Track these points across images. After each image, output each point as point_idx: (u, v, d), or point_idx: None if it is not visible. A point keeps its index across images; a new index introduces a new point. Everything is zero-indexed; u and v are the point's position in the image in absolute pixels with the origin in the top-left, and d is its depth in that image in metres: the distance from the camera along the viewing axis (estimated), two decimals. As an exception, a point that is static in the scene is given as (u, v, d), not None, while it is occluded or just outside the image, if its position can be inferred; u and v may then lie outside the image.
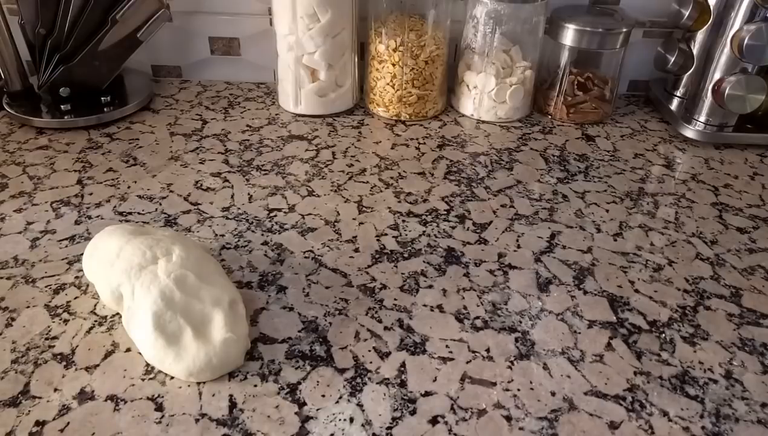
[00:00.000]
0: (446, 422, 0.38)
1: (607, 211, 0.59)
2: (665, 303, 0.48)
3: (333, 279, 0.49)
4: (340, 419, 0.38)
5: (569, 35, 0.71)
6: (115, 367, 0.40)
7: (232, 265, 0.50)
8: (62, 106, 0.69)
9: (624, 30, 0.71)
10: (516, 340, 0.44)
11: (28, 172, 0.61)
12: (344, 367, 0.41)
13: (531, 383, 0.41)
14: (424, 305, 0.46)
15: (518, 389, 0.40)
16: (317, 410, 0.38)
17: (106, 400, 0.38)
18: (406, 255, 0.52)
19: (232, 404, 0.38)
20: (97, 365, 0.40)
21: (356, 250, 0.52)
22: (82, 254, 0.47)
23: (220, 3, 0.77)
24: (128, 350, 0.42)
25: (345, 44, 0.71)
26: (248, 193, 0.59)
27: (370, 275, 0.49)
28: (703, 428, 0.38)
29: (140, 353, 0.41)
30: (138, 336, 0.40)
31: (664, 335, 0.45)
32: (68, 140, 0.67)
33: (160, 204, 0.57)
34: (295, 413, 0.38)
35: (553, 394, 0.40)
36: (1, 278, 0.48)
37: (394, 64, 0.71)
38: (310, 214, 0.57)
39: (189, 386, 0.39)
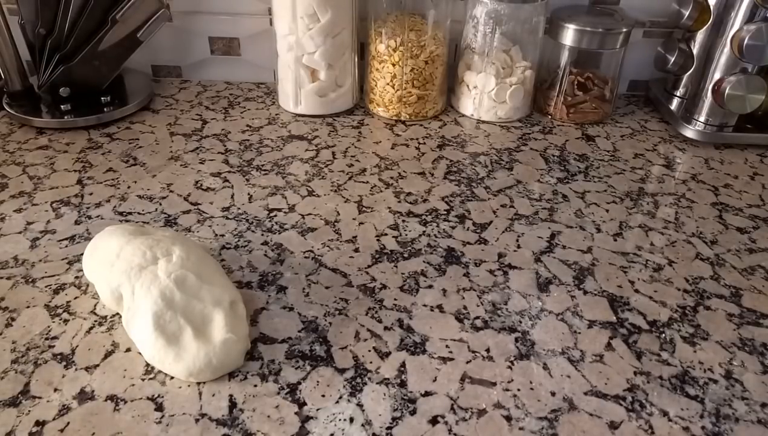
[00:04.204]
0: (446, 422, 0.38)
1: (607, 211, 0.59)
2: (665, 303, 0.48)
3: (333, 279, 0.49)
4: (340, 419, 0.38)
5: (569, 35, 0.71)
6: (115, 367, 0.40)
7: (232, 265, 0.50)
8: (62, 106, 0.69)
9: (624, 30, 0.71)
10: (516, 340, 0.44)
11: (28, 172, 0.61)
12: (344, 367, 0.41)
13: (531, 383, 0.41)
14: (424, 305, 0.46)
15: (518, 389, 0.40)
16: (317, 410, 0.38)
17: (106, 400, 0.38)
18: (406, 255, 0.52)
19: (232, 404, 0.38)
20: (97, 365, 0.40)
21: (356, 250, 0.52)
22: (82, 254, 0.47)
23: (220, 3, 0.77)
24: (128, 350, 0.42)
25: (345, 44, 0.71)
26: (248, 193, 0.59)
27: (370, 275, 0.49)
28: (703, 428, 0.38)
29: (140, 353, 0.41)
30: (138, 336, 0.40)
31: (664, 335, 0.45)
32: (68, 140, 0.67)
33: (160, 204, 0.57)
34: (295, 413, 0.38)
35: (553, 394, 0.40)
36: (1, 278, 0.48)
37: (394, 64, 0.71)
38: (310, 214, 0.57)
39: (189, 386, 0.39)
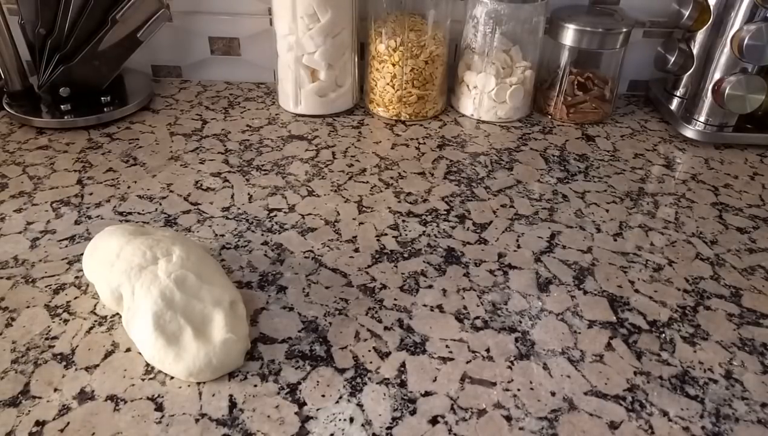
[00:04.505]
0: (446, 422, 0.38)
1: (607, 211, 0.59)
2: (665, 303, 0.48)
3: (333, 279, 0.49)
4: (340, 419, 0.38)
5: (569, 35, 0.71)
6: (115, 367, 0.40)
7: (232, 265, 0.50)
8: (62, 106, 0.69)
9: (624, 30, 0.71)
10: (516, 340, 0.44)
11: (28, 172, 0.61)
12: (344, 367, 0.41)
13: (531, 383, 0.41)
14: (424, 305, 0.46)
15: (518, 389, 0.40)
16: (317, 410, 0.38)
17: (106, 400, 0.38)
18: (406, 255, 0.52)
19: (232, 404, 0.38)
20: (97, 365, 0.40)
21: (356, 250, 0.52)
22: (82, 254, 0.47)
23: (220, 3, 0.77)
24: (128, 350, 0.42)
25: (345, 44, 0.71)
26: (248, 193, 0.59)
27: (370, 275, 0.49)
28: (703, 428, 0.38)
29: (140, 353, 0.41)
30: (138, 336, 0.40)
31: (664, 335, 0.45)
32: (68, 140, 0.67)
33: (160, 204, 0.57)
34: (295, 413, 0.38)
35: (553, 394, 0.40)
36: (1, 278, 0.48)
37: (394, 64, 0.71)
38: (310, 214, 0.57)
39: (189, 386, 0.39)
